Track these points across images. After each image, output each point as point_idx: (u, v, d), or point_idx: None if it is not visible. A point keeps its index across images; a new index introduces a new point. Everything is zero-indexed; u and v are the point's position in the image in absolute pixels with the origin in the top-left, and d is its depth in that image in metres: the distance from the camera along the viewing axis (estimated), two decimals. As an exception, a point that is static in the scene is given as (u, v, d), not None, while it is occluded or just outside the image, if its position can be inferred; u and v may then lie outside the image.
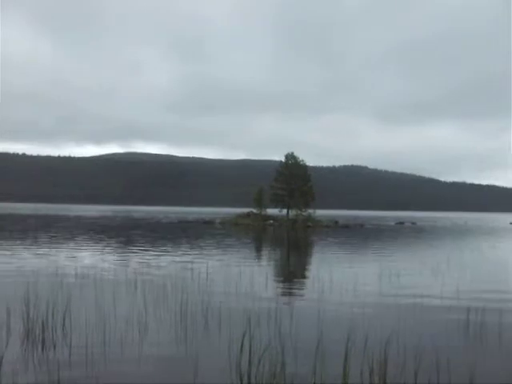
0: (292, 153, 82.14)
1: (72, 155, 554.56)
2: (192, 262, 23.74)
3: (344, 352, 8.46)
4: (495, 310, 14.11)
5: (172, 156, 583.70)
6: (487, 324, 12.33)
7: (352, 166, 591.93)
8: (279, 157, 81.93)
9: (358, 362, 8.89)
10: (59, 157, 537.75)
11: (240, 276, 19.50)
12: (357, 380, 8.24)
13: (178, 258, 25.91)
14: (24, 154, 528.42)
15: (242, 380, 8.32)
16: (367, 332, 11.03)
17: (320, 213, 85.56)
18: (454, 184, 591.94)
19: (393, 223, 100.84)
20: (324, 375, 8.23)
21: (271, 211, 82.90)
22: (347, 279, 19.45)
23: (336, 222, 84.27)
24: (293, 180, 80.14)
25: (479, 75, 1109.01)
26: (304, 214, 79.35)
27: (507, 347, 10.52)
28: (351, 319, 12.69)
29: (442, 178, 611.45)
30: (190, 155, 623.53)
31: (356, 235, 56.12)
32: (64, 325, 11.50)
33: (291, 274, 22.71)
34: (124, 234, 47.55)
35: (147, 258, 26.02)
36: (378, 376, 8.32)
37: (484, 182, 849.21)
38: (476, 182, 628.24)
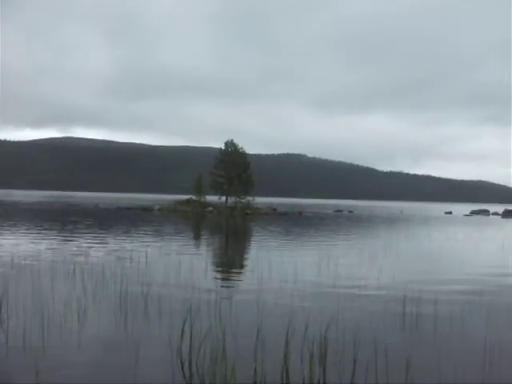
0: (232, 140, 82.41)
1: (9, 139, 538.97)
2: (130, 250, 23.57)
3: (284, 338, 8.62)
4: (431, 296, 14.51)
5: (111, 141, 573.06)
6: (422, 311, 12.69)
7: (291, 154, 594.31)
8: (219, 144, 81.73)
9: (298, 348, 9.04)
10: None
11: (179, 264, 19.45)
12: (297, 365, 8.38)
13: (115, 246, 25.66)
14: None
15: (183, 366, 8.35)
16: (307, 319, 11.22)
17: (259, 200, 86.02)
18: (390, 173, 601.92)
19: (331, 211, 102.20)
20: (265, 360, 8.37)
21: (211, 198, 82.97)
22: (286, 267, 19.67)
23: (274, 210, 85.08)
24: (232, 167, 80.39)
25: (417, 67, 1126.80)
26: (243, 201, 79.76)
27: (441, 333, 10.89)
28: (291, 306, 12.84)
29: (379, 168, 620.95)
30: (130, 141, 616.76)
31: (294, 223, 56.74)
32: (0, 312, 11.41)
33: (230, 261, 22.82)
34: (61, 221, 46.72)
35: (84, 245, 25.64)
36: (318, 360, 8.50)
37: (420, 171, 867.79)
38: (412, 171, 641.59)
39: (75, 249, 23.85)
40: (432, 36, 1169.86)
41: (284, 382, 7.83)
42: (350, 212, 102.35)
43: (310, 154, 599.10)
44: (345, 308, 13.02)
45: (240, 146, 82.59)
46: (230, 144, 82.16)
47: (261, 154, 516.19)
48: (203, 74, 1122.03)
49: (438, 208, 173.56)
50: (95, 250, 23.46)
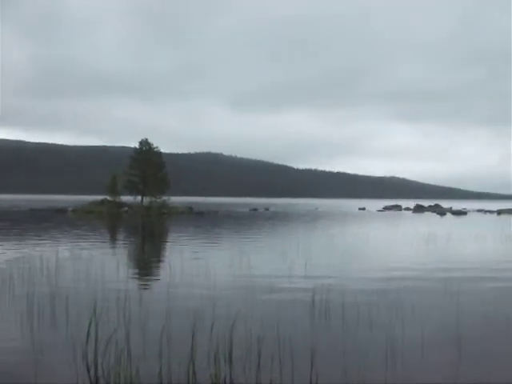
0: (146, 139, 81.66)
1: None
2: (40, 252, 23.00)
3: (191, 334, 8.65)
4: (339, 288, 14.87)
5: (22, 141, 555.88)
6: (330, 304, 12.87)
7: (207, 152, 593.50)
8: (136, 143, 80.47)
9: (205, 345, 9.01)
10: None
11: (90, 265, 19.11)
12: (204, 363, 8.34)
13: (25, 249, 24.95)
14: None
15: (88, 369, 8.16)
16: (215, 315, 11.29)
17: (175, 199, 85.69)
18: (306, 171, 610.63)
19: (247, 210, 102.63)
20: (171, 359, 8.36)
21: (127, 198, 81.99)
22: (199, 265, 19.61)
23: (191, 209, 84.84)
24: (147, 167, 79.68)
25: (333, 65, 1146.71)
26: (158, 201, 79.27)
27: (349, 324, 11.10)
28: (200, 304, 12.84)
29: (295, 165, 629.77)
30: (43, 141, 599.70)
31: (210, 222, 56.77)
32: None
33: (143, 261, 22.63)
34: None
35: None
36: (224, 357, 8.54)
37: (336, 169, 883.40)
38: (328, 169, 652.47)
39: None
40: (348, 34, 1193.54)
41: (190, 381, 7.80)
42: (266, 210, 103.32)
43: (226, 153, 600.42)
44: (254, 303, 13.13)
45: (155, 145, 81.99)
46: (145, 143, 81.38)
47: (177, 153, 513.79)
48: (120, 73, 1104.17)
49: (352, 204, 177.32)
50: (3, 253, 22.80)
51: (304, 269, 19.03)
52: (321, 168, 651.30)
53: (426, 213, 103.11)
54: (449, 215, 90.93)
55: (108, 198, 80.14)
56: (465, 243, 31.67)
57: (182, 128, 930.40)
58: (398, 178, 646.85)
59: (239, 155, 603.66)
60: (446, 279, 17.07)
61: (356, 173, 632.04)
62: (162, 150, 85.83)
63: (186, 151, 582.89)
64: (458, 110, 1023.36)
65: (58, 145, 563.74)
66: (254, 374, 8.02)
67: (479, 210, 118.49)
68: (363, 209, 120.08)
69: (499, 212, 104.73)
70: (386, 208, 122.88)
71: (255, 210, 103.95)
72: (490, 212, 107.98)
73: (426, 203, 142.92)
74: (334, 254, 25.39)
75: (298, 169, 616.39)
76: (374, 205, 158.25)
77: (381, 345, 9.58)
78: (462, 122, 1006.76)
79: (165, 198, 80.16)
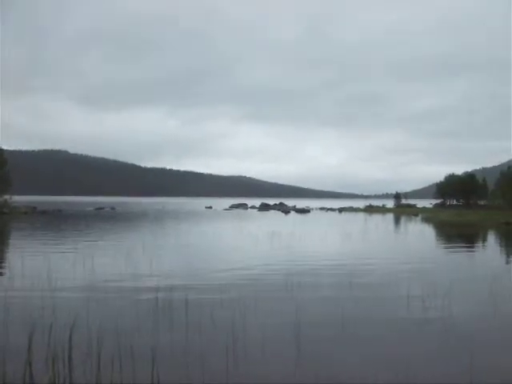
0: (-15, 136, 77.73)
1: None
2: None
3: (28, 339, 8.36)
4: (183, 287, 14.98)
5: None
6: (174, 302, 12.97)
7: (52, 150, 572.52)
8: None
9: (43, 348, 8.75)
10: None
11: None
12: (41, 366, 8.11)
13: None
14: None
15: None
16: (55, 318, 11.05)
17: (18, 199, 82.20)
18: (154, 170, 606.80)
19: (92, 209, 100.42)
20: (7, 363, 8.05)
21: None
22: (36, 267, 18.90)
23: (34, 208, 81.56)
24: (-14, 164, 75.80)
25: (186, 64, 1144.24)
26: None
27: (192, 322, 11.20)
28: (39, 306, 12.44)
29: (143, 164, 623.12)
30: None
31: (53, 221, 54.96)
32: None
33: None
34: None
35: None
36: (63, 360, 8.34)
37: (187, 168, 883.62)
38: (178, 168, 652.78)
39: None
40: (196, 34, 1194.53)
41: (26, 384, 7.56)
42: (113, 209, 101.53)
43: (72, 151, 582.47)
44: (95, 304, 12.90)
45: (-5, 143, 78.17)
46: (-17, 140, 77.41)
47: (20, 150, 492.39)
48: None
49: (199, 203, 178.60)
50: None
51: (148, 268, 18.96)
52: (170, 167, 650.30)
53: (272, 211, 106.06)
54: (293, 213, 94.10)
55: None
56: (307, 240, 32.87)
57: (26, 124, 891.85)
58: (246, 177, 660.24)
59: (85, 153, 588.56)
60: (287, 275, 17.65)
61: (205, 172, 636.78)
62: (5, 148, 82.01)
63: (29, 148, 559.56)
64: (305, 111, 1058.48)
65: None
66: (95, 374, 7.90)
67: (322, 208, 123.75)
68: (210, 207, 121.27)
69: (340, 210, 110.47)
70: (233, 206, 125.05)
71: (101, 208, 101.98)
72: (332, 210, 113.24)
73: (271, 202, 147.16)
74: (177, 252, 25.47)
75: (145, 167, 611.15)
76: (221, 203, 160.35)
77: (223, 342, 9.74)
78: (308, 123, 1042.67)
79: (6, 197, 76.45)
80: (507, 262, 23.77)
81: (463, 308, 13.00)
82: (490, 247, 31.51)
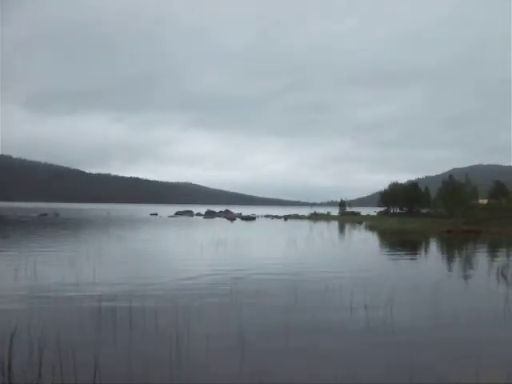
0: None
1: None
2: None
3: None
4: (126, 295, 14.96)
5: None
6: (118, 310, 12.92)
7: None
8: None
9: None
10: None
11: None
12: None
13: None
14: None
15: None
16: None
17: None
18: (99, 176, 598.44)
19: (36, 215, 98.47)
20: None
21: None
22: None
23: (-27, 214, 79.79)
24: None
25: (135, 68, 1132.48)
26: None
27: (136, 329, 11.26)
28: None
29: (88, 170, 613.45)
30: None
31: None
32: None
33: None
34: None
35: None
36: (1, 368, 8.29)
37: (133, 174, 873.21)
38: (125, 174, 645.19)
39: None
40: (145, 40, 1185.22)
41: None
42: (56, 215, 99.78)
43: (15, 155, 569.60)
44: (37, 313, 12.73)
45: None
46: None
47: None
48: None
49: (145, 210, 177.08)
50: None
51: (92, 276, 18.75)
52: (115, 173, 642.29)
53: (217, 218, 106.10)
54: (239, 220, 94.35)
55: None
56: (252, 248, 33.08)
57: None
58: (192, 184, 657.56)
59: (29, 158, 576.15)
60: (232, 283, 17.79)
61: (151, 178, 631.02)
62: None
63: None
64: (254, 118, 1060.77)
65: None
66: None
67: (267, 216, 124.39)
68: (155, 214, 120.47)
69: (286, 217, 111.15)
70: (178, 213, 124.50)
71: (45, 215, 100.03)
72: (278, 217, 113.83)
73: (217, 209, 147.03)
74: (121, 261, 25.28)
75: (90, 173, 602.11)
76: (167, 210, 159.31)
77: (166, 350, 9.79)
78: (256, 130, 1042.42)
79: None
80: (448, 269, 24.42)
81: (404, 315, 13.34)
82: (432, 255, 32.26)
